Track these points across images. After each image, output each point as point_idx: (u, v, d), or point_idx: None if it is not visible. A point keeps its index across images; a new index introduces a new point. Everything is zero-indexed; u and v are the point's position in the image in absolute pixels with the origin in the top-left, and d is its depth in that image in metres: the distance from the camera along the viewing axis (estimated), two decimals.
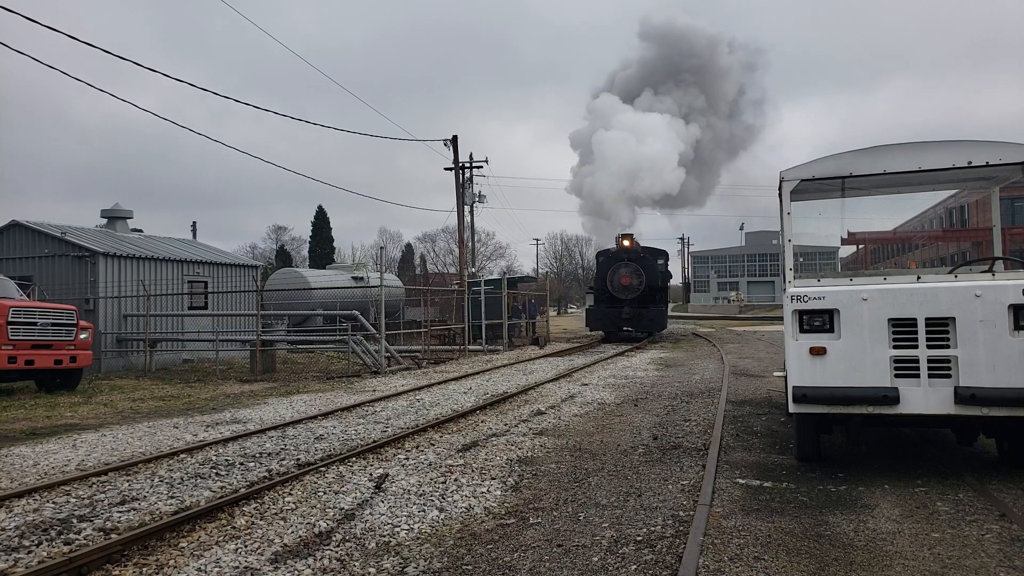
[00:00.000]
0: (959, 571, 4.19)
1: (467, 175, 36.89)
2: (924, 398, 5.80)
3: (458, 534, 5.09)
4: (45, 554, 4.76)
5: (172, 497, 6.08)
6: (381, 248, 47.55)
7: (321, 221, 62.91)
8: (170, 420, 10.55)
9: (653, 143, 32.48)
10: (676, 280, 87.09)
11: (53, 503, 5.95)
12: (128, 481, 6.66)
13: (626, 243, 29.12)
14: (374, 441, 8.35)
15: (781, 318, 6.85)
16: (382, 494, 6.11)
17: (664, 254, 34.16)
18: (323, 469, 6.98)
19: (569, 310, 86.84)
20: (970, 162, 6.18)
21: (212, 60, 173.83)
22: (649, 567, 4.37)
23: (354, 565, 4.51)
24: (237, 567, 4.50)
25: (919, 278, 6.14)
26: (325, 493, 6.16)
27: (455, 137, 32.55)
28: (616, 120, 33.96)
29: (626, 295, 28.13)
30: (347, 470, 6.99)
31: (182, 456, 7.72)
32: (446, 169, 34.56)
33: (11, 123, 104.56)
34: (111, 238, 22.41)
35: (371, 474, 6.80)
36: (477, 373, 16.58)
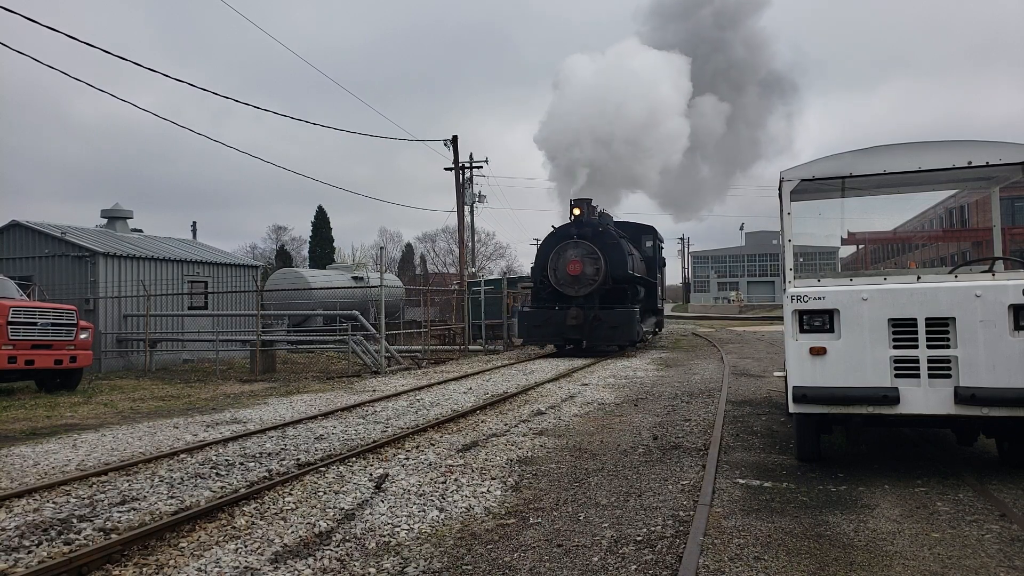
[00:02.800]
0: (959, 571, 4.19)
1: (467, 175, 36.90)
2: (924, 398, 5.80)
3: (458, 534, 5.09)
4: (45, 554, 4.76)
5: (172, 497, 6.08)
6: (381, 248, 47.53)
7: (321, 221, 62.90)
8: (170, 420, 10.54)
9: (653, 82, 22.99)
10: (676, 280, 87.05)
11: (53, 503, 5.95)
12: (128, 481, 6.66)
13: (576, 212, 20.40)
14: (374, 441, 8.35)
15: (781, 318, 6.85)
16: (382, 494, 6.11)
17: (649, 231, 25.54)
18: (323, 469, 6.97)
19: None
20: (970, 162, 6.18)
21: (213, 61, 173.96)
22: (649, 567, 4.37)
23: (354, 565, 4.51)
24: (237, 567, 4.50)
25: (919, 278, 6.14)
26: (325, 493, 6.16)
27: (455, 137, 32.57)
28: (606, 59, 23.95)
29: (575, 290, 20.01)
30: (347, 470, 6.99)
31: (182, 456, 7.72)
32: (446, 169, 34.56)
33: (11, 123, 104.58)
34: (111, 238, 22.42)
35: (371, 474, 6.81)
36: (477, 373, 16.58)
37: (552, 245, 20.66)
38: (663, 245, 28.01)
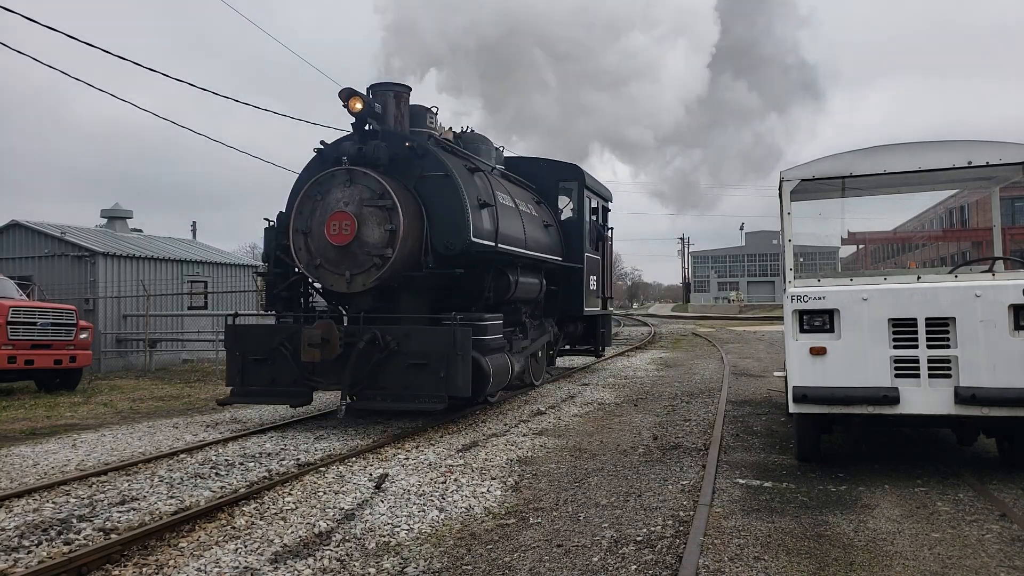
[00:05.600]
0: (959, 571, 4.19)
1: None
2: (924, 398, 5.80)
3: (458, 534, 5.09)
4: (45, 554, 4.76)
5: (172, 497, 6.08)
6: None
7: None
8: (170, 420, 10.54)
9: None
10: (676, 279, 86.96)
11: (53, 503, 5.94)
12: (128, 481, 6.65)
13: (358, 107, 8.89)
14: (374, 441, 8.34)
15: (781, 318, 6.86)
16: (382, 494, 6.10)
17: (573, 175, 13.66)
18: (323, 469, 6.97)
19: None
20: (970, 162, 6.19)
21: (214, 61, 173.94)
22: (649, 567, 4.37)
23: (354, 565, 4.51)
24: (237, 567, 4.49)
25: (919, 278, 6.14)
26: (325, 493, 6.16)
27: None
28: None
29: (347, 279, 8.83)
30: (347, 470, 6.99)
31: (182, 456, 7.72)
32: None
33: (11, 123, 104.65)
34: (111, 238, 22.41)
35: (371, 474, 6.80)
36: None
37: (301, 186, 9.47)
38: (608, 205, 15.45)
